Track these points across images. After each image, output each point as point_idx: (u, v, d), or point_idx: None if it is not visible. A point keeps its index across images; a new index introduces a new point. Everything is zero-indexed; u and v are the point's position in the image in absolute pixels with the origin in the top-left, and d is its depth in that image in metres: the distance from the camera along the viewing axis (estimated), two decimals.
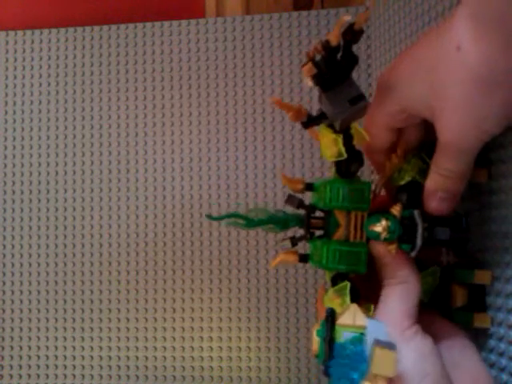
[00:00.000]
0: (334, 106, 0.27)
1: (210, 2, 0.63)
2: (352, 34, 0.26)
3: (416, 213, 0.30)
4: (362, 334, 0.26)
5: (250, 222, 0.31)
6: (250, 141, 0.58)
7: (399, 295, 0.29)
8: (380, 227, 0.29)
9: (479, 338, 0.32)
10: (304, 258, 0.32)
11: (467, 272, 0.31)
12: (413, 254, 0.30)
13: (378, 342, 0.25)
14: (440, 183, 0.29)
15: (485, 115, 0.26)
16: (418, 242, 0.29)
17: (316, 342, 0.28)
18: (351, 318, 0.26)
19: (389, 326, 0.27)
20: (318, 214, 0.32)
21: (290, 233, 0.35)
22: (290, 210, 0.32)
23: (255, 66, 0.58)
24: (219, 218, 0.32)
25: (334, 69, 0.26)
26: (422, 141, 0.32)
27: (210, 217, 0.33)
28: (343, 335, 0.26)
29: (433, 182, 0.30)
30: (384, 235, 0.29)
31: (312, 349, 0.28)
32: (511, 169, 0.30)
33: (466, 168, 0.28)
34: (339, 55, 0.27)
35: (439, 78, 0.26)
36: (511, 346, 0.29)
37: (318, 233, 0.32)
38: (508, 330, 0.29)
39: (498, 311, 0.30)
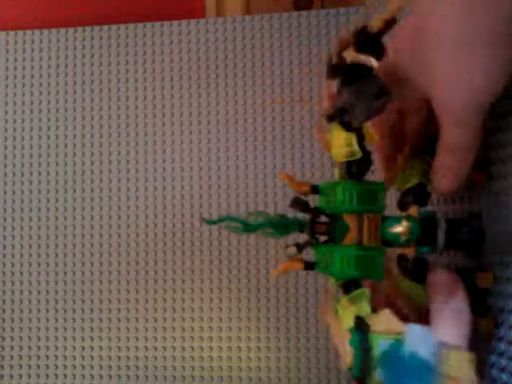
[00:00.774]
0: (358, 99, 0.25)
1: (210, 1, 0.63)
2: (386, 23, 0.25)
3: (438, 212, 0.29)
4: (399, 339, 0.24)
5: (248, 227, 0.29)
6: (250, 141, 0.58)
7: (452, 320, 0.27)
8: (401, 228, 0.27)
9: (479, 339, 0.32)
10: (310, 266, 0.30)
11: (469, 275, 0.31)
12: (436, 255, 0.29)
13: (447, 345, 0.24)
14: (441, 159, 0.28)
15: (470, 77, 0.25)
16: (440, 241, 0.28)
17: (349, 353, 0.26)
18: (387, 324, 0.25)
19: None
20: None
21: (290, 239, 0.34)
22: (290, 213, 0.31)
23: (255, 66, 0.58)
24: (214, 222, 0.30)
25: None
26: (425, 138, 0.32)
27: (206, 221, 0.31)
28: (379, 343, 0.24)
29: (436, 160, 0.29)
30: (405, 236, 0.27)
31: (346, 361, 0.26)
32: (511, 169, 0.30)
33: (465, 140, 0.27)
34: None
35: (421, 55, 0.26)
36: (511, 346, 0.29)
37: (323, 238, 0.31)
38: (508, 331, 0.29)
39: (499, 312, 0.30)
